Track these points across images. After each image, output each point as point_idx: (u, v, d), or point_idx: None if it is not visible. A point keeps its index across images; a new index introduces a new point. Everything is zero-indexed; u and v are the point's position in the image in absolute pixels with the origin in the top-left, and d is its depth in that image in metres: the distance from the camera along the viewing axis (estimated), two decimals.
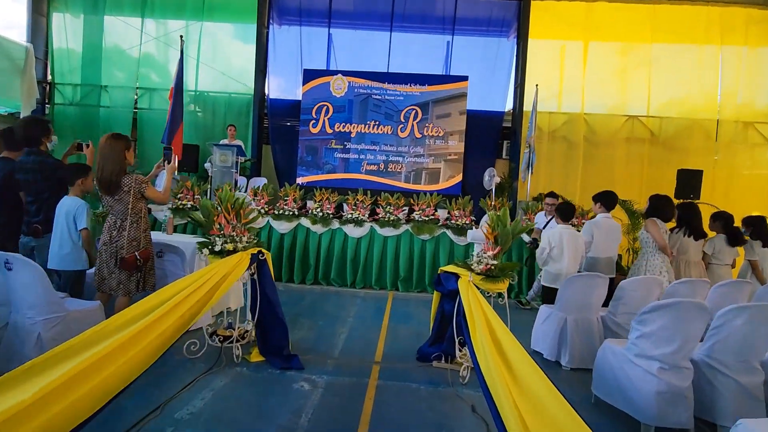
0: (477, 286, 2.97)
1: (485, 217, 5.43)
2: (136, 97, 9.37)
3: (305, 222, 6.36)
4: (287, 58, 9.33)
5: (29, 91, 8.93)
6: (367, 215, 6.41)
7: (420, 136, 8.44)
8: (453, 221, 6.25)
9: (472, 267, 2.97)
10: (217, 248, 3.07)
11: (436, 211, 6.44)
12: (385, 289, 6.23)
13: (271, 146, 9.25)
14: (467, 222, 6.20)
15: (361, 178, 8.41)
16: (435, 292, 3.43)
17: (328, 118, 8.59)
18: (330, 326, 4.38)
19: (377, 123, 8.51)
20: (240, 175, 8.52)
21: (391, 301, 5.66)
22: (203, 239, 3.30)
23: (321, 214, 6.37)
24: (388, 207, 6.41)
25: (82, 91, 9.39)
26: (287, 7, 9.34)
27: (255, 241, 3.34)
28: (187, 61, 9.30)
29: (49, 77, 9.46)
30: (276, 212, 6.42)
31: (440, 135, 8.42)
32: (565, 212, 4.15)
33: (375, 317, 4.82)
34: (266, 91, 9.29)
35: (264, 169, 9.51)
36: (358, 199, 6.55)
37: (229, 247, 3.08)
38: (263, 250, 3.37)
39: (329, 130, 8.59)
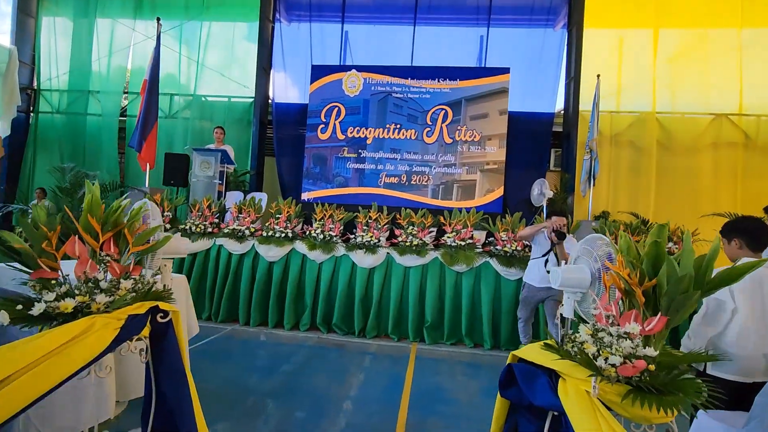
0: (608, 406, 1.24)
1: (571, 243, 3.69)
2: (125, 103, 8.17)
3: (301, 247, 4.74)
4: (296, 58, 7.94)
5: (10, 98, 7.81)
6: (382, 238, 4.74)
7: (450, 141, 6.79)
8: (499, 247, 4.49)
9: (599, 364, 1.24)
10: (37, 310, 1.42)
11: (474, 233, 4.71)
12: (405, 341, 4.48)
13: (275, 157, 7.79)
14: (518, 248, 4.43)
15: (378, 192, 6.79)
16: (499, 397, 1.67)
17: (340, 122, 7.06)
18: (318, 412, 2.67)
19: (398, 126, 6.92)
20: (236, 190, 7.07)
21: (414, 359, 3.91)
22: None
23: (322, 236, 4.74)
24: (411, 228, 4.73)
25: (69, 98, 8.25)
26: (296, 1, 8.02)
27: (146, 290, 1.70)
28: (188, 63, 8.08)
29: (36, 84, 8.38)
30: (265, 234, 4.84)
31: (476, 140, 6.74)
32: (758, 235, 2.09)
33: (391, 389, 3.08)
34: (271, 95, 7.90)
35: (268, 184, 8.05)
36: (370, 217, 4.90)
37: (66, 307, 1.44)
38: (165, 306, 1.73)
39: (341, 136, 7.05)
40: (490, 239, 4.68)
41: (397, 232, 4.78)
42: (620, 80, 7.27)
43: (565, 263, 3.24)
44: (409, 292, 4.51)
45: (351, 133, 7.01)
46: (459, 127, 6.77)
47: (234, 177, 7.38)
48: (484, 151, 6.71)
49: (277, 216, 4.97)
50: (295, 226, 4.94)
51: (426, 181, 6.79)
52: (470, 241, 4.60)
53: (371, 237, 4.68)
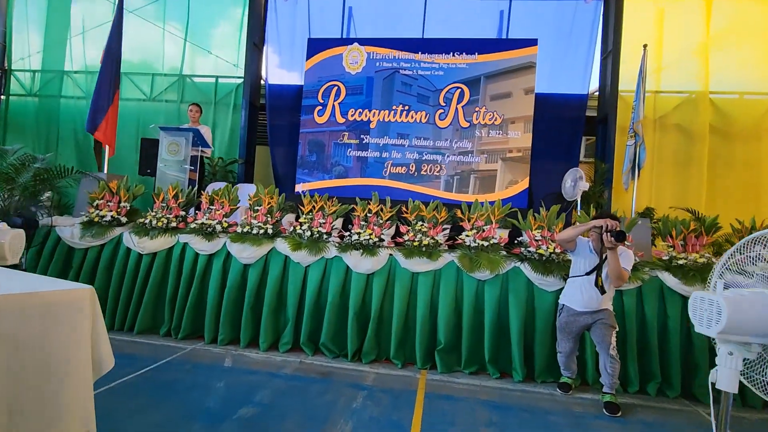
0: None
1: (627, 255, 2.71)
2: None
3: (282, 247, 3.77)
4: (293, 35, 7.00)
5: None
6: (385, 237, 3.76)
7: (467, 125, 5.77)
8: (532, 249, 3.48)
9: None
10: None
11: (499, 231, 3.70)
12: (412, 367, 3.49)
13: (269, 146, 6.84)
14: (557, 250, 3.41)
15: (383, 184, 5.80)
16: None
17: (340, 103, 6.09)
18: None
19: (407, 108, 5.93)
20: (222, 180, 6.14)
21: (422, 396, 2.91)
22: None
23: (309, 233, 3.77)
24: (420, 224, 3.74)
25: (42, 79, 7.41)
26: None
27: None
28: (173, 41, 7.17)
29: (6, 64, 7.55)
30: (240, 230, 3.88)
31: (496, 123, 5.72)
32: None
33: None
34: (264, 75, 6.96)
35: (261, 176, 7.12)
36: (370, 210, 3.92)
37: None
38: None
39: (340, 119, 6.07)
40: (520, 239, 3.66)
41: (403, 229, 3.79)
42: (662, 56, 6.19)
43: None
44: (418, 304, 3.51)
45: (352, 115, 6.03)
46: (477, 109, 5.75)
47: (221, 166, 6.46)
48: (506, 136, 5.68)
49: (256, 209, 4.01)
50: (276, 221, 3.98)
51: (438, 171, 5.79)
52: (494, 240, 3.59)
53: (370, 235, 3.69)
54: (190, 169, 4.52)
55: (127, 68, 7.24)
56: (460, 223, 3.74)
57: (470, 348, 3.43)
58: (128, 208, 4.14)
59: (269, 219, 3.91)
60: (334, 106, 6.08)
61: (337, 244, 3.74)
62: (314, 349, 3.63)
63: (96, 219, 4.05)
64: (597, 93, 6.30)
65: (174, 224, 4.02)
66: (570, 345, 2.95)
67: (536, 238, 3.53)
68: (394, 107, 5.93)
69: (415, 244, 3.63)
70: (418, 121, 5.88)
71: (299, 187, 6.10)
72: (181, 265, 3.88)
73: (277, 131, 6.77)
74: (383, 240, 3.74)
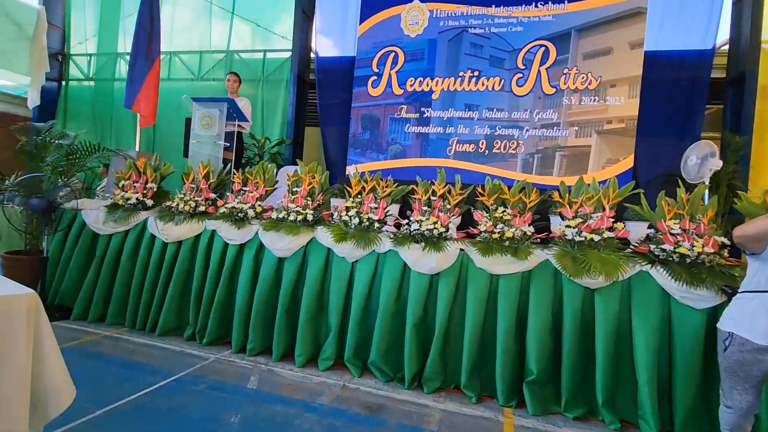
0: None
1: None
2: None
3: (324, 237, 2.99)
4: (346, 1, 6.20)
5: (38, 63, 6.90)
6: (452, 226, 2.85)
7: (553, 91, 4.66)
8: (668, 247, 2.41)
9: None
10: None
11: (615, 223, 2.65)
12: (491, 402, 2.58)
13: (320, 126, 6.13)
14: (710, 250, 2.31)
15: (447, 165, 4.85)
16: None
17: (397, 72, 5.21)
18: None
19: (476, 74, 4.92)
20: (271, 162, 5.52)
21: None
22: None
23: (357, 220, 2.96)
24: (501, 210, 2.79)
25: (98, 63, 7.25)
26: None
27: None
28: (221, 14, 6.67)
29: (66, 48, 7.48)
30: (275, 215, 3.16)
31: (591, 88, 4.54)
32: None
33: None
34: (313, 46, 6.24)
35: (311, 159, 6.44)
36: (434, 192, 3.03)
37: None
38: None
39: (398, 91, 5.20)
40: (653, 234, 2.59)
41: (477, 216, 2.86)
42: None
43: None
44: (499, 318, 2.59)
45: (411, 85, 5.13)
46: (566, 71, 4.61)
47: (268, 148, 5.85)
48: (604, 103, 4.50)
49: (294, 190, 3.27)
50: (319, 205, 3.21)
51: (514, 149, 4.74)
52: (609, 234, 2.55)
53: (435, 224, 2.80)
54: (224, 145, 3.88)
55: (176, 47, 6.87)
56: (558, 210, 2.74)
57: (574, 383, 2.45)
58: (155, 189, 3.57)
59: (309, 203, 3.15)
60: (390, 75, 5.22)
61: (392, 236, 2.90)
62: (361, 368, 2.83)
63: (121, 202, 3.53)
64: (726, 47, 4.87)
65: (202, 208, 3.39)
66: (749, 399, 1.89)
67: (673, 231, 2.45)
68: (461, 74, 4.94)
69: (495, 236, 2.69)
70: (490, 88, 4.85)
71: (350, 169, 5.33)
72: (208, 256, 3.25)
73: (328, 109, 6.02)
74: (451, 231, 2.84)
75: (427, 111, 5.05)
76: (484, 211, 2.89)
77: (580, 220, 2.60)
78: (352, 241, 2.89)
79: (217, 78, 6.57)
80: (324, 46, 6.13)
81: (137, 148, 4.38)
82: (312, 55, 6.28)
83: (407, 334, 2.69)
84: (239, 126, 4.14)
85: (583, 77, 4.55)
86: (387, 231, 2.98)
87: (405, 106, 5.13)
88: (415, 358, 2.70)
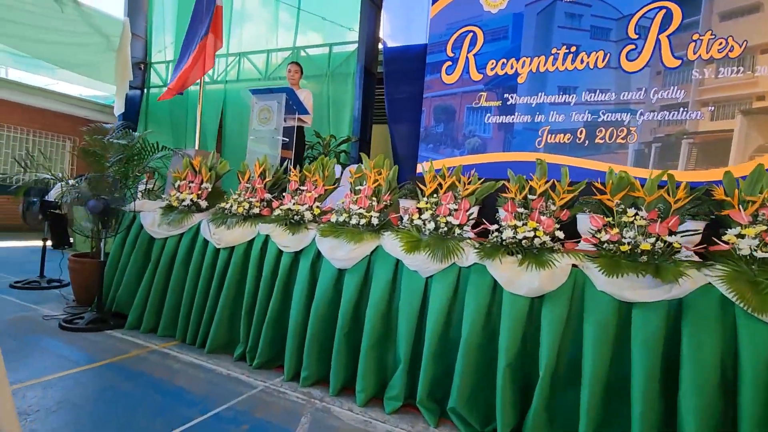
0: None
1: None
2: (221, 69, 6.95)
3: (392, 245, 2.42)
4: None
5: (123, 73, 7.21)
6: (560, 234, 2.15)
7: (677, 63, 3.70)
8: None
9: None
10: None
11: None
12: None
13: (388, 122, 5.64)
14: None
15: (537, 159, 4.08)
16: None
17: (475, 54, 4.54)
18: None
19: (573, 50, 4.09)
20: (337, 162, 5.12)
21: None
22: None
23: (433, 225, 2.36)
24: (632, 212, 2.03)
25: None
26: None
27: None
28: (288, 11, 6.47)
29: (147, 57, 7.77)
30: (335, 218, 2.67)
31: (732, 56, 3.52)
32: None
33: None
34: (381, 37, 5.77)
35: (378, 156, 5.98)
36: (532, 189, 2.34)
37: None
38: None
39: (476, 76, 4.52)
40: None
41: (594, 222, 2.13)
42: None
43: None
44: (634, 362, 1.84)
45: (492, 69, 4.43)
46: (696, 36, 3.63)
47: (334, 146, 5.47)
48: (752, 75, 3.46)
49: (357, 189, 2.75)
50: (386, 206, 2.66)
51: (624, 137, 3.85)
52: None
53: (536, 230, 2.12)
54: (283, 141, 3.49)
55: (244, 48, 6.78)
56: (726, 213, 1.92)
57: None
58: (209, 189, 3.27)
59: (374, 204, 2.61)
60: (467, 59, 4.56)
61: (477, 246, 2.26)
62: (438, 414, 2.22)
63: (175, 203, 3.27)
64: None
65: (257, 210, 3.00)
66: None
67: None
68: (553, 51, 4.15)
69: (624, 248, 1.94)
70: (591, 66, 4.00)
71: (422, 167, 4.74)
72: (261, 265, 2.84)
73: (397, 102, 5.51)
74: (557, 240, 2.13)
75: (512, 97, 4.31)
76: (604, 214, 2.14)
77: (764, 227, 1.77)
78: (426, 251, 2.29)
79: (283, 76, 6.35)
80: (393, 35, 5.63)
81: (196, 147, 4.17)
82: (380, 46, 5.82)
83: (499, 375, 2.03)
84: (299, 120, 3.75)
85: (720, 43, 3.55)
86: (469, 239, 2.34)
87: (485, 94, 4.44)
88: (511, 407, 2.03)
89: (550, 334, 1.97)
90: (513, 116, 4.30)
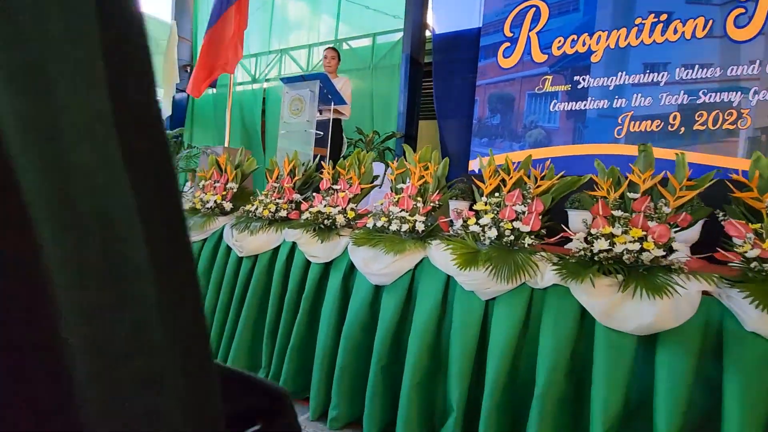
0: None
1: None
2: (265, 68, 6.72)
3: (441, 257, 1.90)
4: None
5: (170, 76, 7.21)
6: (681, 247, 1.53)
7: None
8: None
9: None
10: None
11: None
12: None
13: (437, 117, 5.11)
14: None
15: (615, 152, 3.41)
16: None
17: (539, 32, 3.91)
18: None
19: (663, 18, 3.36)
20: (377, 161, 4.69)
21: None
22: None
23: (495, 233, 1.81)
24: None
25: None
26: None
27: None
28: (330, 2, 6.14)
29: (193, 59, 7.75)
30: (371, 223, 2.19)
31: None
32: None
33: None
34: (428, 22, 5.25)
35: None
36: (632, 185, 1.73)
37: None
38: None
39: (540, 57, 3.89)
40: None
41: (735, 230, 1.49)
42: None
43: None
44: None
45: (559, 48, 3.78)
46: None
47: (377, 143, 5.01)
48: None
49: (399, 187, 2.26)
50: (434, 208, 2.15)
51: (733, 122, 3.07)
52: None
53: (642, 240, 1.52)
54: (317, 134, 3.07)
55: (287, 44, 6.53)
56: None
57: None
58: (234, 190, 2.91)
59: (420, 205, 2.11)
60: (529, 38, 3.93)
61: (555, 261, 1.69)
62: None
63: (198, 206, 2.94)
64: None
65: (284, 213, 2.60)
66: None
67: None
68: (638, 21, 3.44)
69: None
70: (687, 36, 3.25)
71: (475, 164, 4.18)
72: (286, 278, 2.42)
73: (447, 94, 4.96)
74: (678, 254, 1.52)
75: (584, 80, 3.64)
76: (748, 221, 1.51)
77: None
78: (486, 265, 1.76)
79: (318, 69, 6.02)
80: (442, 20, 5.10)
81: (226, 144, 3.88)
82: (428, 33, 5.32)
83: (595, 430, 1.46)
84: (336, 111, 3.32)
85: None
86: (545, 252, 1.78)
87: (550, 77, 3.80)
88: None
89: (672, 390, 1.37)
90: (585, 102, 3.63)
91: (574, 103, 3.68)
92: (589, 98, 3.62)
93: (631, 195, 1.70)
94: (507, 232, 1.81)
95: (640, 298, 1.45)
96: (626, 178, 1.76)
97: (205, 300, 2.71)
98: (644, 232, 1.56)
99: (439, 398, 1.88)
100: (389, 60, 5.48)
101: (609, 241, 1.59)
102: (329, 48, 3.90)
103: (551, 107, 3.79)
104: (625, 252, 1.54)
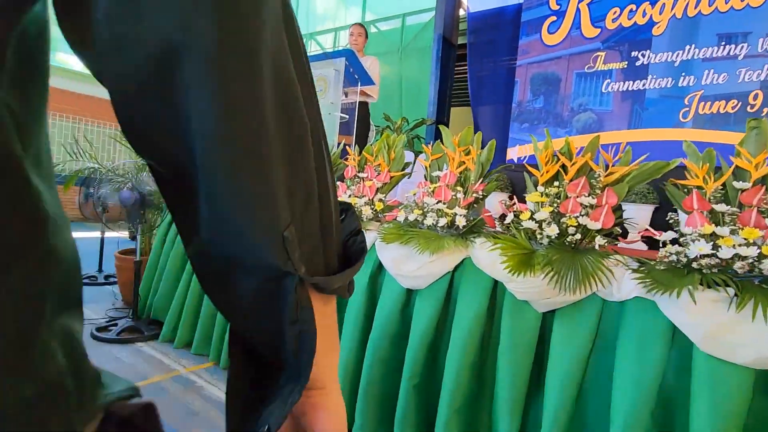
0: None
1: None
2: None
3: (486, 258, 1.58)
4: None
5: None
6: None
7: None
8: None
9: None
10: None
11: None
12: None
13: (471, 104, 4.73)
14: None
15: (680, 138, 2.95)
16: None
17: (590, 4, 3.47)
18: None
19: None
20: (406, 149, 4.37)
21: None
22: None
23: (557, 232, 1.48)
24: None
25: None
26: None
27: None
28: None
29: None
30: (402, 216, 1.89)
31: None
32: None
33: None
34: (464, 2, 4.85)
35: None
36: (739, 171, 1.35)
37: None
38: None
39: (591, 32, 3.46)
40: None
41: None
42: None
43: None
44: None
45: (615, 20, 3.33)
46: None
47: (406, 130, 4.68)
48: None
49: (435, 175, 1.94)
50: (478, 199, 1.83)
51: None
52: None
53: (759, 245, 1.15)
54: (341, 118, 2.78)
55: (313, 29, 6.25)
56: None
57: None
58: None
59: (460, 196, 1.79)
60: (578, 10, 3.50)
61: (636, 267, 1.34)
62: None
63: None
64: None
65: None
66: None
67: None
68: None
69: None
70: None
71: (513, 153, 3.80)
72: None
73: (483, 78, 4.57)
74: None
75: (644, 55, 3.19)
76: None
77: None
78: (545, 270, 1.42)
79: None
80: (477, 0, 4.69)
81: None
82: (461, 12, 4.92)
83: None
84: (363, 93, 3.01)
85: None
86: (618, 255, 1.43)
87: (603, 54, 3.37)
88: None
89: None
90: (645, 81, 3.18)
91: (631, 82, 3.24)
92: (650, 76, 3.16)
93: (738, 185, 1.33)
94: (571, 230, 1.46)
95: (764, 321, 1.08)
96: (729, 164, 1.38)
97: None
98: (761, 233, 1.19)
99: (484, 428, 1.57)
100: (419, 42, 5.12)
101: (711, 244, 1.23)
102: (356, 24, 3.58)
103: (604, 88, 3.36)
104: (736, 258, 1.18)
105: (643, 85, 3.18)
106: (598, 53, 3.38)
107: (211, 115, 0.24)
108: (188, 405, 1.99)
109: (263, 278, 0.28)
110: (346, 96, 2.93)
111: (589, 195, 1.52)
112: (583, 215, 1.49)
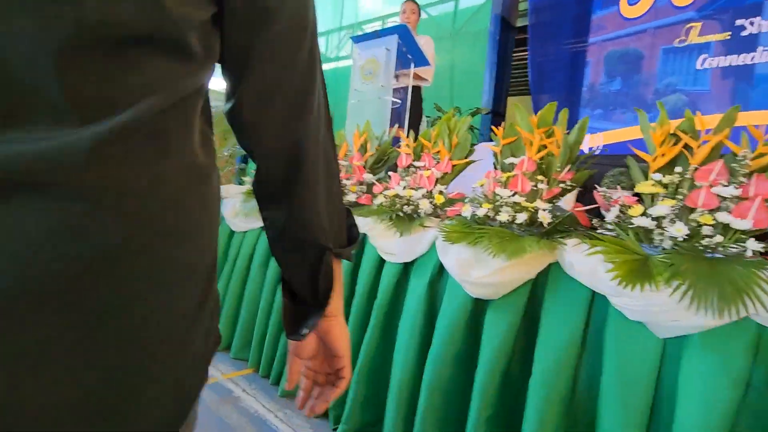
0: None
1: None
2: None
3: (582, 262, 1.23)
4: None
5: None
6: None
7: None
8: None
9: None
10: None
11: None
12: None
13: (531, 87, 4.31)
14: None
15: None
16: None
17: None
18: None
19: None
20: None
21: None
22: None
23: (685, 228, 1.11)
24: None
25: None
26: None
27: None
28: None
29: None
30: (469, 212, 1.58)
31: None
32: None
33: None
34: None
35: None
36: None
37: None
38: None
39: (683, 0, 2.96)
40: None
41: None
42: None
43: None
44: None
45: None
46: None
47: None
48: None
49: (508, 163, 1.61)
50: (564, 191, 1.48)
51: None
52: None
53: None
54: (394, 103, 2.50)
55: (360, 18, 6.02)
56: None
57: None
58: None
59: (543, 187, 1.46)
60: None
61: None
62: None
63: None
64: None
65: (353, 197, 2.07)
66: None
67: None
68: None
69: None
70: None
71: (584, 142, 3.35)
72: (353, 279, 1.89)
73: (545, 64, 4.13)
74: None
75: (752, 24, 2.67)
76: None
77: None
78: (672, 283, 1.06)
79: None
80: None
81: None
82: None
83: None
84: (417, 76, 2.71)
85: None
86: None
87: (698, 24, 2.86)
88: None
89: None
90: (753, 54, 2.66)
91: (735, 56, 2.72)
92: (759, 48, 2.64)
93: None
94: (708, 230, 1.09)
95: None
96: None
97: (261, 298, 2.28)
98: None
99: None
100: (473, 26, 4.75)
101: None
102: (408, 1, 3.27)
103: (699, 64, 2.85)
104: None
105: (751, 59, 2.66)
106: (692, 24, 2.88)
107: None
108: (223, 419, 1.79)
109: (316, 251, 0.51)
110: (397, 80, 2.64)
111: (729, 184, 1.14)
112: (721, 210, 1.11)
